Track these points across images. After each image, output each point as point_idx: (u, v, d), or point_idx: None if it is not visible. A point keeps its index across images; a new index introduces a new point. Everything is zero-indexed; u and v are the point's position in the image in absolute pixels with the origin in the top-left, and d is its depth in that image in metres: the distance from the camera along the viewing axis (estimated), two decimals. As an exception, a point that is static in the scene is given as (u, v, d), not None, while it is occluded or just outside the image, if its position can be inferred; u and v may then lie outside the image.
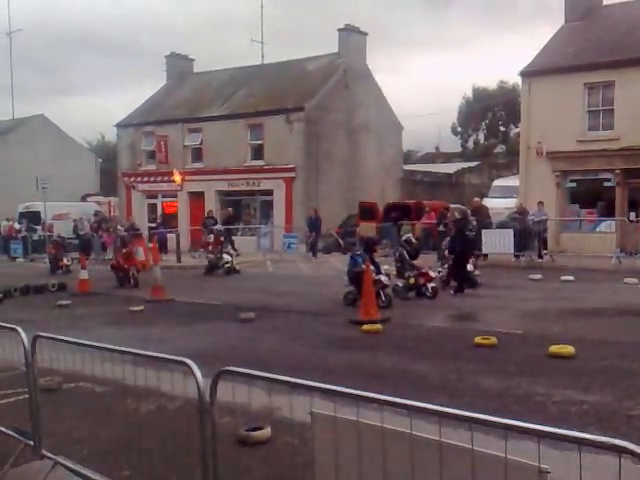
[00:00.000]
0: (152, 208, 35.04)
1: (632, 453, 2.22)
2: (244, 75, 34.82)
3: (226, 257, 20.27)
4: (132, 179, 35.20)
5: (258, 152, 31.22)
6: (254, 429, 5.44)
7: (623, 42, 22.80)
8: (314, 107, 30.14)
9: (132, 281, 17.42)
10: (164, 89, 38.30)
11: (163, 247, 25.91)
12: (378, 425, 3.09)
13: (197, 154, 33.32)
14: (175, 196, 33.60)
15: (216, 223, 27.72)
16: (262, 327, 11.20)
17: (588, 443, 2.37)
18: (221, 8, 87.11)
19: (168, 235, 27.95)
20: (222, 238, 21.51)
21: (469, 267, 15.68)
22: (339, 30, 32.59)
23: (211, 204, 31.22)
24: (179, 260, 24.37)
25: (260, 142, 31.09)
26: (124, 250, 18.11)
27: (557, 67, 23.58)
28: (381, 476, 3.06)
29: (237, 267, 20.35)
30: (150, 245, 20.09)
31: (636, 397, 6.51)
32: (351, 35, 32.44)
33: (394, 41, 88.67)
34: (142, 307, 13.58)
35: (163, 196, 34.53)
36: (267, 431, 5.43)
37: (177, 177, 30.64)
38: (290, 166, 29.64)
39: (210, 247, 20.93)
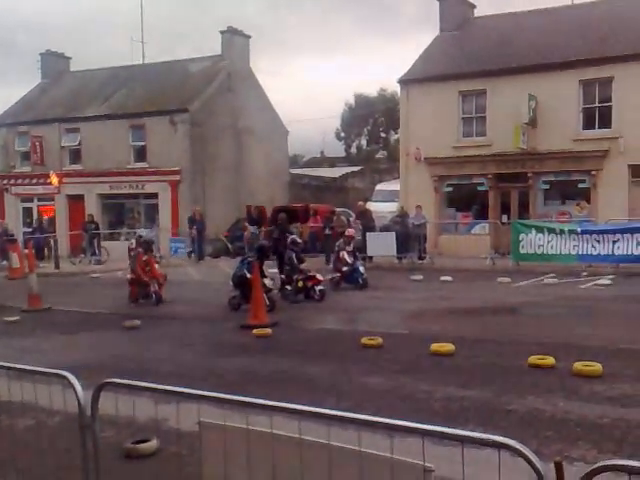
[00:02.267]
0: (27, 212, 33.17)
1: (510, 448, 2.35)
2: (125, 75, 33.76)
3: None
4: (5, 181, 33.18)
5: (141, 154, 30.36)
6: (140, 442, 5.27)
7: (494, 53, 24.10)
8: (198, 109, 29.72)
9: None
10: (39, 88, 36.38)
11: (40, 253, 24.60)
12: (267, 431, 3.09)
13: (75, 155, 31.90)
14: (52, 199, 31.98)
15: (97, 228, 26.73)
16: (149, 335, 10.90)
17: (470, 440, 2.49)
18: (103, 6, 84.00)
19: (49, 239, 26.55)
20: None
21: (360, 268, 16.10)
22: (222, 32, 32.32)
23: (92, 208, 30.00)
24: (57, 267, 23.23)
25: (143, 144, 30.24)
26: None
27: (433, 75, 24.56)
28: (271, 482, 3.07)
29: None
30: (25, 251, 18.99)
31: (513, 392, 6.86)
32: (234, 37, 32.28)
33: (280, 45, 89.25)
34: (18, 317, 12.83)
35: (39, 199, 32.76)
36: (154, 443, 5.29)
37: (54, 179, 29.15)
38: (175, 169, 29.04)
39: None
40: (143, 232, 19.67)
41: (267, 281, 12.84)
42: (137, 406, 3.96)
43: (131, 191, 30.39)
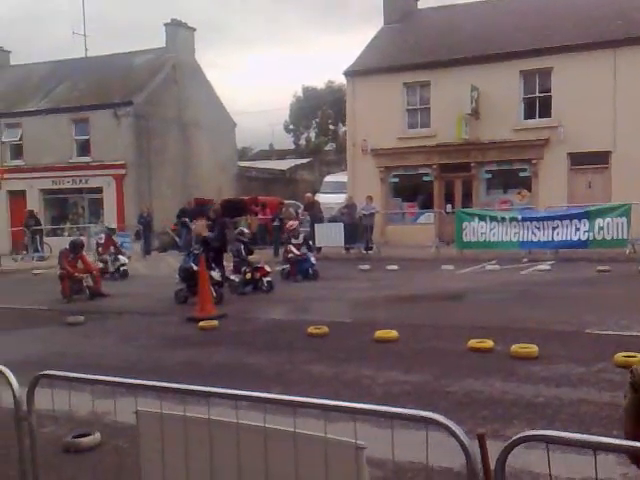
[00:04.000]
0: (-34, 209, 32.11)
1: (437, 423, 2.40)
2: (67, 68, 32.95)
3: (122, 259, 18.44)
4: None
5: (84, 148, 29.74)
6: (81, 435, 5.24)
7: (437, 45, 24.47)
8: (143, 102, 29.27)
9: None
10: (-24, 81, 35.20)
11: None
12: (204, 417, 3.13)
13: (17, 151, 31.05)
14: (-7, 196, 31.07)
15: (38, 223, 26.11)
16: (92, 330, 10.76)
17: (399, 416, 2.58)
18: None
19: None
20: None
21: (311, 259, 16.24)
22: (166, 25, 31.88)
23: (34, 204, 29.26)
24: (-2, 264, 22.62)
25: (86, 137, 29.63)
26: None
27: (378, 67, 24.78)
28: (208, 468, 3.11)
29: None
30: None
31: (453, 375, 7.07)
32: (178, 30, 31.87)
33: (229, 38, 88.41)
34: (-45, 317, 12.47)
35: (-21, 196, 31.77)
36: (96, 437, 5.26)
37: (-6, 175, 28.34)
38: (120, 162, 28.56)
39: (101, 249, 18.97)
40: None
41: (214, 273, 12.81)
42: (78, 400, 3.94)
43: (74, 186, 29.79)
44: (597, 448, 2.22)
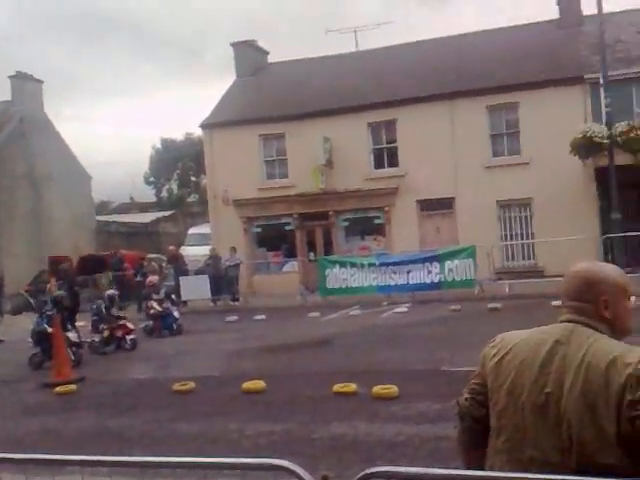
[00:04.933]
0: None
1: (284, 469, 2.37)
2: None
3: None
4: None
5: None
6: None
7: (290, 98, 25.13)
8: (-11, 157, 27.68)
9: None
10: None
11: None
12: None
13: None
14: None
15: None
16: None
17: (247, 467, 2.60)
18: None
19: None
20: None
21: (175, 314, 15.96)
22: (10, 77, 30.58)
23: None
24: None
25: None
26: None
27: (233, 120, 25.07)
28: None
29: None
30: None
31: (319, 421, 7.24)
32: (25, 82, 30.62)
33: (82, 90, 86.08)
34: None
35: None
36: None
37: None
38: (-37, 221, 26.67)
39: None
40: None
41: (71, 334, 12.25)
42: None
43: None
44: None
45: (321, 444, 6.44)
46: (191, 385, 9.28)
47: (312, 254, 23.47)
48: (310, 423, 7.19)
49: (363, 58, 26.92)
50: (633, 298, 2.22)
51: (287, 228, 24.64)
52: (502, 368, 2.16)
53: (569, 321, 2.12)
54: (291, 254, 24.46)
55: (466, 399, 2.32)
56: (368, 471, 2.32)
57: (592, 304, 2.10)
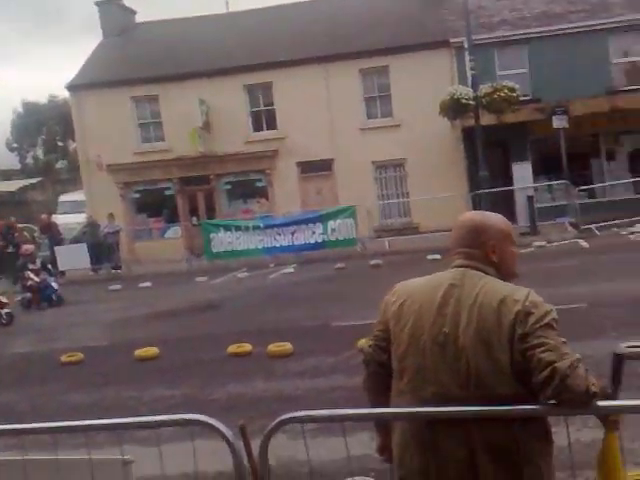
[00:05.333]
0: None
1: (200, 422, 2.48)
2: None
3: None
4: None
5: None
6: None
7: (163, 58, 24.22)
8: None
9: None
10: None
11: None
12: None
13: None
14: None
15: None
16: None
17: (163, 424, 2.65)
18: None
19: None
20: None
21: (53, 284, 15.38)
22: None
23: None
24: None
25: None
26: None
27: (102, 81, 23.93)
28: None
29: None
30: None
31: (216, 383, 7.35)
32: None
33: None
34: None
35: None
36: None
37: None
38: None
39: None
40: None
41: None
42: None
43: None
44: (344, 419, 2.62)
45: (220, 404, 6.56)
46: (80, 356, 9.10)
47: (195, 219, 23.23)
48: (207, 386, 7.29)
49: (235, 20, 26.52)
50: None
51: (167, 193, 24.17)
52: (403, 313, 2.28)
53: (461, 266, 2.28)
54: (173, 219, 24.06)
55: (370, 346, 2.44)
56: (284, 417, 2.47)
57: (480, 249, 2.28)
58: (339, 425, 2.61)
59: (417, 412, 2.22)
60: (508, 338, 2.09)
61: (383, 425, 2.53)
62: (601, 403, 2.12)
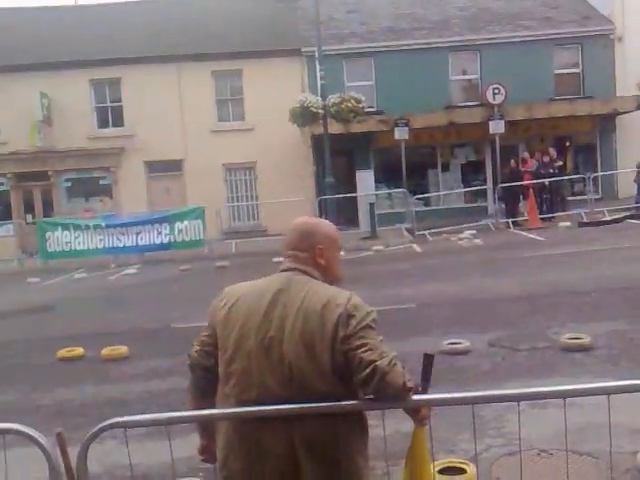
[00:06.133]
0: None
1: (17, 432, 2.39)
2: None
3: None
4: None
5: None
6: None
7: (2, 48, 22.67)
8: None
9: None
10: None
11: None
12: None
13: None
14: None
15: None
16: None
17: None
18: None
19: None
20: None
21: None
22: None
23: None
24: None
25: None
26: None
27: None
28: None
29: None
30: None
31: (43, 388, 6.95)
32: None
33: None
34: None
35: None
36: None
37: None
38: None
39: None
40: None
41: None
42: None
43: None
44: (169, 423, 2.54)
45: (46, 411, 6.23)
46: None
47: (30, 216, 21.89)
48: (33, 392, 6.89)
49: (84, 13, 25.56)
50: (342, 252, 2.60)
51: (0, 188, 22.53)
52: (230, 318, 2.29)
53: (288, 269, 2.36)
54: (5, 216, 22.47)
55: (196, 351, 2.44)
56: (104, 423, 2.40)
57: (309, 252, 2.36)
58: (168, 428, 2.56)
59: (242, 412, 2.24)
60: (331, 340, 2.17)
61: (204, 427, 2.54)
62: (414, 397, 2.24)
